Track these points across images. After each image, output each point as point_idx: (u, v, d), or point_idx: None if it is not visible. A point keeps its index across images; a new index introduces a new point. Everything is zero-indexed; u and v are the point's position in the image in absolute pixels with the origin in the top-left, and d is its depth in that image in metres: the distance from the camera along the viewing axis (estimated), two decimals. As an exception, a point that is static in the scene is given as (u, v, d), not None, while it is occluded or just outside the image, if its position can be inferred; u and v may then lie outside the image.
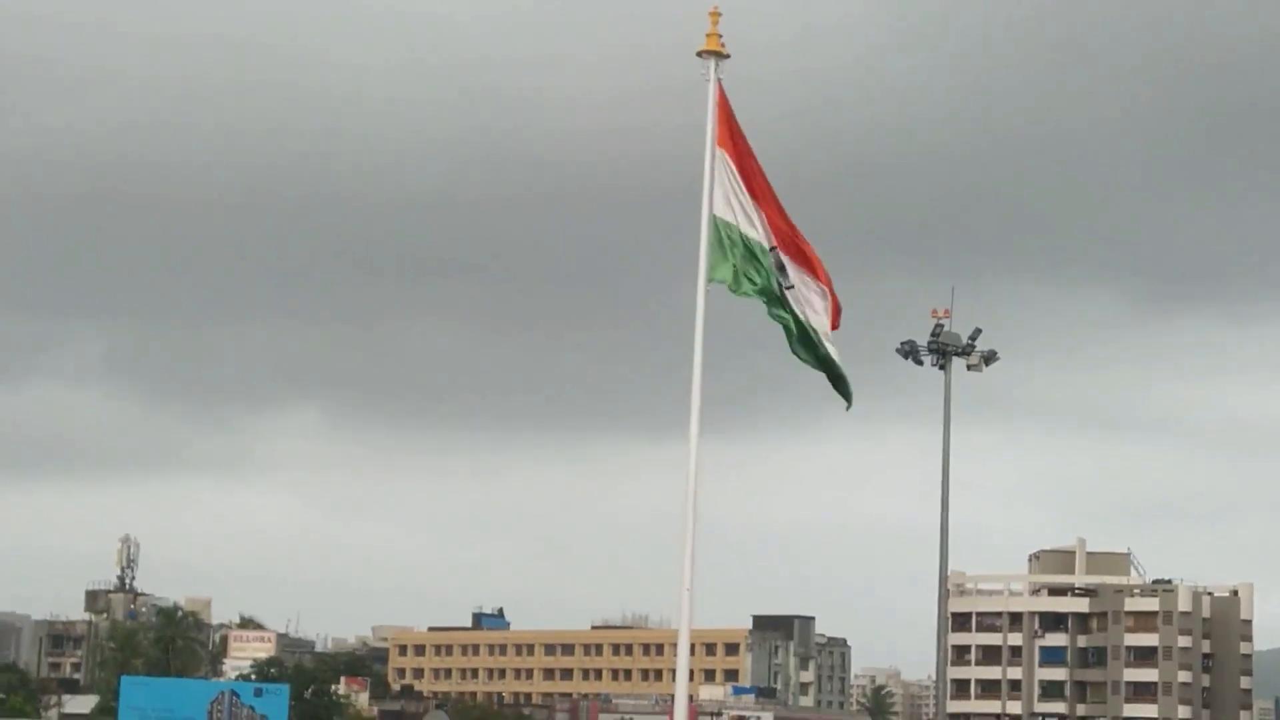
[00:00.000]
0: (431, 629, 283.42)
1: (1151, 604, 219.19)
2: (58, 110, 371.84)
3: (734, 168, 25.26)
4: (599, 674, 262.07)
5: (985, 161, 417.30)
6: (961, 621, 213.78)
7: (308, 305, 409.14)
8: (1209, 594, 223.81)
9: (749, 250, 25.14)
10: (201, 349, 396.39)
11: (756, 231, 25.22)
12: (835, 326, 25.36)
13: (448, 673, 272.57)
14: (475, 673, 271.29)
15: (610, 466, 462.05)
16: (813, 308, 25.22)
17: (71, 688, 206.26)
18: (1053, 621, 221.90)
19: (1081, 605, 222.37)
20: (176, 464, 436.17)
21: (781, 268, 25.15)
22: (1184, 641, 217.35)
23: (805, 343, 25.12)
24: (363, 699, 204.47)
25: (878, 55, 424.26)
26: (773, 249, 25.18)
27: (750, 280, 25.09)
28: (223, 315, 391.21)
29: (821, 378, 25.37)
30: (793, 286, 25.13)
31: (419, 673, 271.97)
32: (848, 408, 25.55)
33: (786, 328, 25.12)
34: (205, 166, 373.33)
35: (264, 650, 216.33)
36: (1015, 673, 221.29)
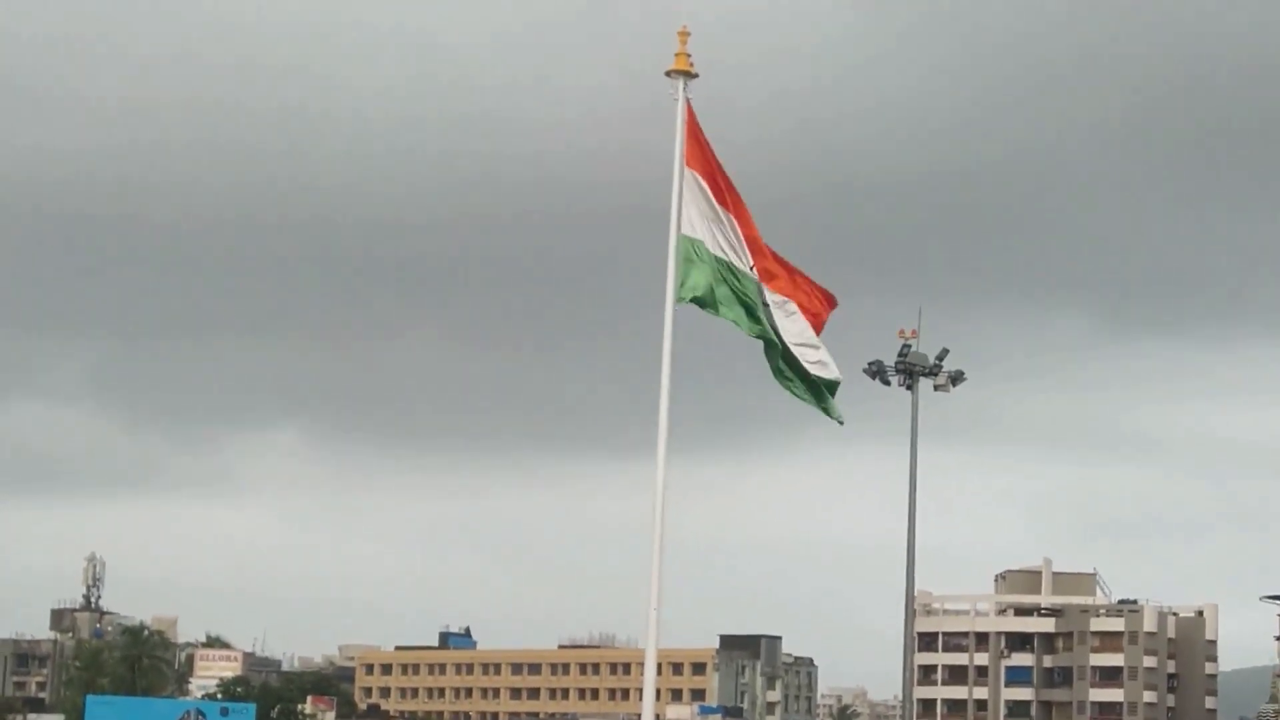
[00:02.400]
0: (398, 648, 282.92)
1: (1117, 624, 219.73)
2: (44, 131, 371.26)
3: (705, 187, 25.34)
4: (566, 693, 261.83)
5: (964, 183, 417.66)
6: (928, 641, 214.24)
7: (290, 324, 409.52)
8: (1174, 614, 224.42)
9: (719, 269, 25.22)
10: (184, 368, 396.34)
11: (728, 250, 25.30)
12: (818, 330, 25.41)
13: (414, 692, 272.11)
14: (442, 692, 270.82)
15: (582, 485, 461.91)
16: (784, 328, 25.30)
17: (37, 707, 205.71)
18: (1019, 641, 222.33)
19: (1047, 625, 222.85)
20: (151, 483, 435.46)
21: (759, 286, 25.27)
22: (1149, 662, 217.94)
23: (787, 360, 25.16)
24: (329, 718, 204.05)
25: (854, 76, 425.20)
26: (752, 267, 25.28)
27: (722, 300, 25.15)
28: (206, 334, 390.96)
29: (793, 399, 25.38)
30: (768, 305, 25.24)
31: (385, 692, 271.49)
32: (840, 421, 25.58)
33: (768, 341, 25.14)
34: (189, 187, 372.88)
35: (230, 669, 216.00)
36: (981, 693, 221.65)
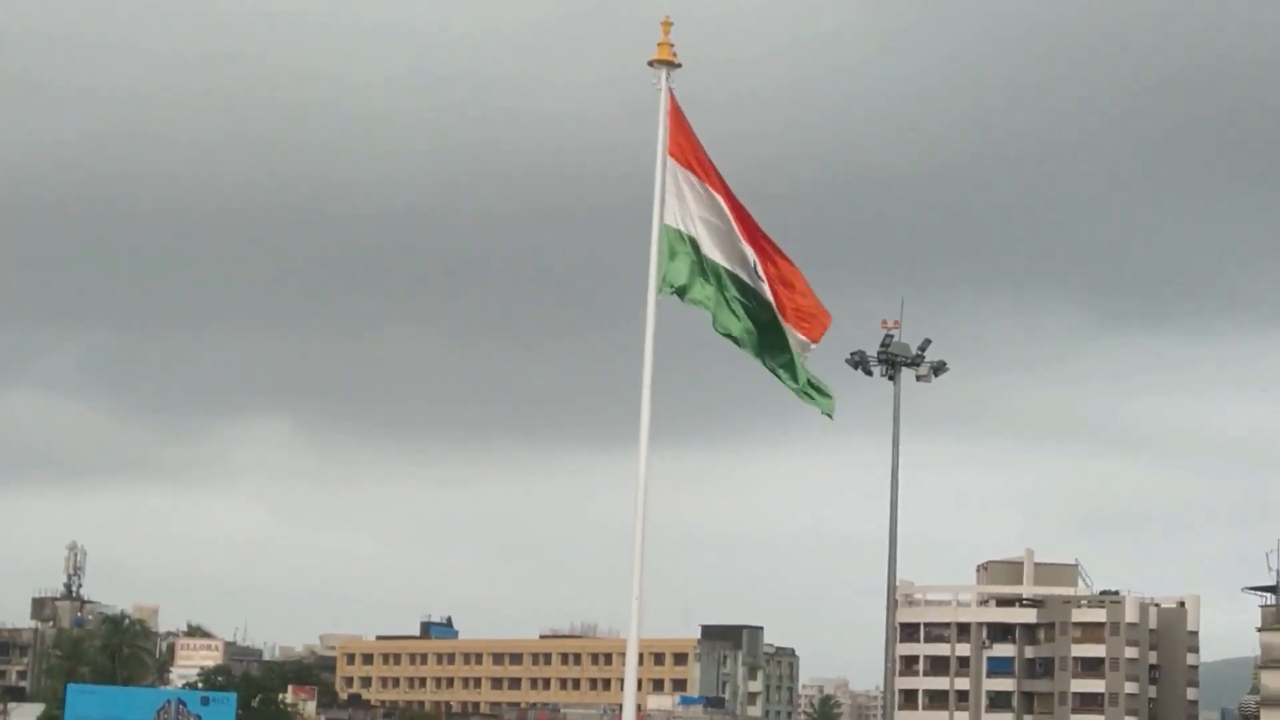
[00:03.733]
0: (379, 638, 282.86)
1: (1099, 615, 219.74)
2: (38, 122, 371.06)
3: (692, 177, 25.14)
4: (547, 683, 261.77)
5: (958, 176, 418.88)
6: (909, 632, 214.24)
7: (285, 316, 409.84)
8: (1156, 605, 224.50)
9: (699, 259, 25.02)
10: (176, 358, 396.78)
11: (711, 240, 25.09)
12: (815, 339, 25.09)
13: (395, 681, 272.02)
14: (423, 682, 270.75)
15: (565, 477, 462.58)
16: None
17: (18, 696, 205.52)
18: (1000, 632, 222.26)
19: (1029, 616, 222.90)
20: (136, 472, 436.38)
21: (756, 271, 24.95)
22: (1131, 653, 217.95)
23: (771, 345, 24.86)
24: (310, 708, 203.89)
25: (849, 71, 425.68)
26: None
27: (700, 289, 24.94)
28: (200, 325, 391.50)
29: (779, 388, 25.16)
30: (756, 291, 24.95)
31: (366, 681, 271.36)
32: (829, 414, 25.13)
33: (747, 331, 24.84)
34: (184, 178, 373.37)
35: (211, 658, 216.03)
36: (963, 683, 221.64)
